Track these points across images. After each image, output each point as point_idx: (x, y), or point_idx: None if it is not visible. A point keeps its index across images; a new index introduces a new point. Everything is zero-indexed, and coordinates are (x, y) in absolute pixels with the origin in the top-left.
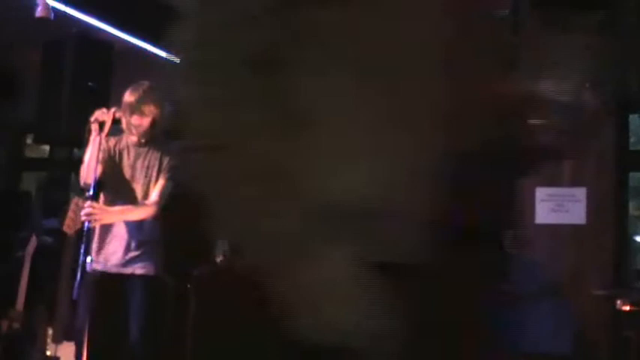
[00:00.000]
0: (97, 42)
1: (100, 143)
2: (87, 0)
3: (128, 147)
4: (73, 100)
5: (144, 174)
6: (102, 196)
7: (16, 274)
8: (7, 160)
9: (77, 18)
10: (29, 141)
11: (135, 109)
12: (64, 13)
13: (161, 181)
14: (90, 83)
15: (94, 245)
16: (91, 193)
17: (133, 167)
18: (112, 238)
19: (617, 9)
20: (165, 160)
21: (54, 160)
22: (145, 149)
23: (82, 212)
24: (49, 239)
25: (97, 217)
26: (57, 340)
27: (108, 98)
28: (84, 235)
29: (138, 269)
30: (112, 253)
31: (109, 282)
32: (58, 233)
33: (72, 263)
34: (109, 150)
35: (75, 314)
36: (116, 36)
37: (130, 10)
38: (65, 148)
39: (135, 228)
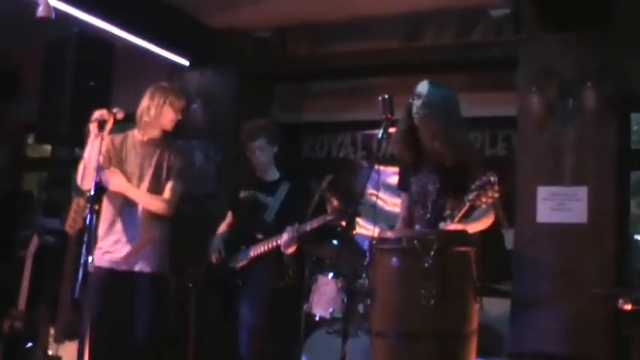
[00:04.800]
0: (98, 41)
1: (100, 144)
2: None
3: (135, 145)
4: (74, 99)
5: (153, 172)
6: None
7: (18, 274)
8: (9, 159)
9: (78, 18)
10: (31, 140)
11: (160, 108)
12: (65, 13)
13: (172, 182)
14: (91, 82)
15: (99, 242)
16: (92, 193)
17: (142, 165)
18: (118, 236)
19: (618, 7)
20: (176, 161)
21: (56, 159)
22: (152, 148)
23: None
24: (50, 239)
25: (109, 175)
26: (59, 340)
27: (109, 98)
28: (85, 235)
29: (144, 267)
30: (117, 251)
31: (115, 279)
32: (60, 233)
33: (74, 263)
34: (114, 147)
35: (78, 312)
36: (117, 35)
37: (130, 9)
38: (67, 148)
39: (141, 226)
